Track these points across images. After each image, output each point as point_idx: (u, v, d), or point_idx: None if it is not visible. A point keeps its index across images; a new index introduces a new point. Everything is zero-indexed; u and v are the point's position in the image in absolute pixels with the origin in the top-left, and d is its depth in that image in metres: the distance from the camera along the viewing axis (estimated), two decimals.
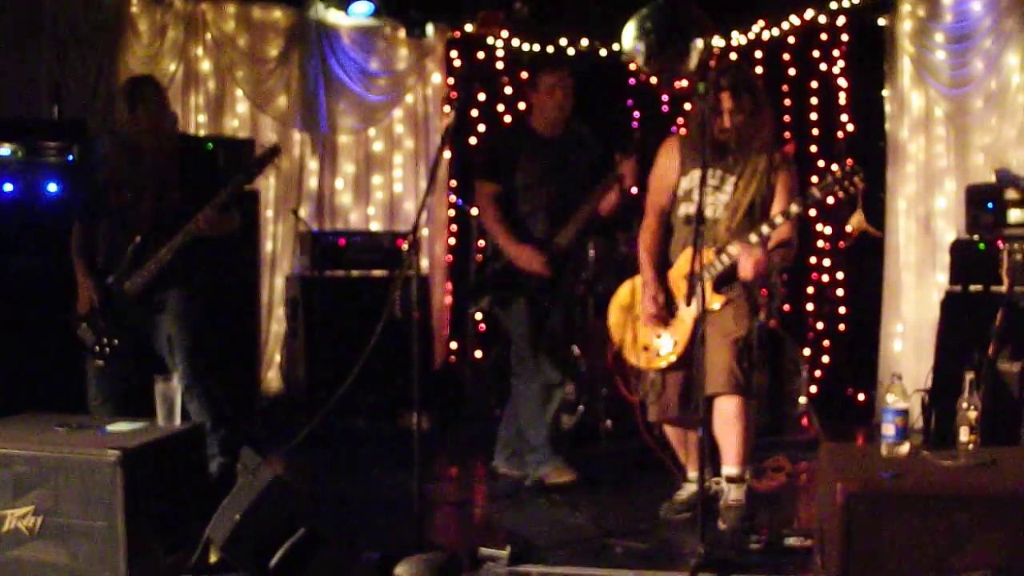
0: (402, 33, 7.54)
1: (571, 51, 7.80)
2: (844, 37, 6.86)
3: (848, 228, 4.19)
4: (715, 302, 4.25)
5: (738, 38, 7.42)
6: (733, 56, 6.81)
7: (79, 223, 4.59)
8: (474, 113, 7.41)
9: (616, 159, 4.93)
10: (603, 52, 7.82)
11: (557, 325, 5.09)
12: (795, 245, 4.43)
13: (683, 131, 4.64)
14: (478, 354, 7.32)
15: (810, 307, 7.14)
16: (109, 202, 4.51)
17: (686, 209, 4.41)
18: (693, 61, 6.64)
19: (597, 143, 5.19)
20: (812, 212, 6.63)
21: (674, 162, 4.48)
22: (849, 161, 4.11)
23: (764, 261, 4.20)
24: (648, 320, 4.40)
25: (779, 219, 4.20)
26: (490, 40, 7.53)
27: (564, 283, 5.11)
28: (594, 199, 5.00)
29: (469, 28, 7.51)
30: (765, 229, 4.20)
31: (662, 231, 4.50)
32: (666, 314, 4.37)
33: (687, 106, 6.19)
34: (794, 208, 4.16)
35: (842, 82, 6.89)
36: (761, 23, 7.26)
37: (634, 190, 5.05)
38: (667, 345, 4.38)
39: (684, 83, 7.10)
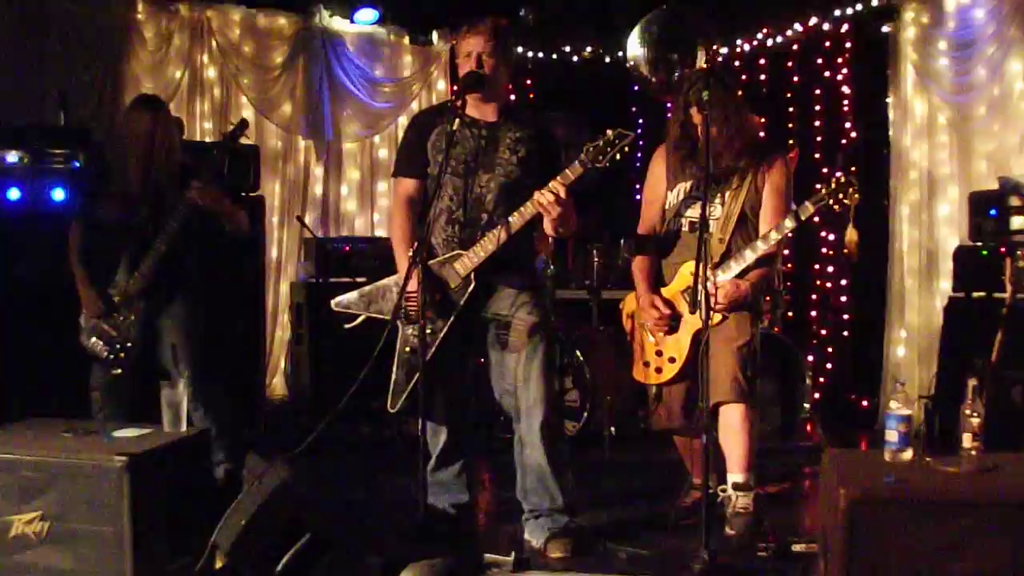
0: (407, 40, 7.59)
1: (575, 58, 7.84)
2: (848, 44, 6.88)
3: (845, 249, 4.15)
4: (716, 317, 4.18)
5: (742, 45, 7.45)
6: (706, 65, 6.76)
7: (78, 223, 4.59)
8: None
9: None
10: (607, 59, 7.86)
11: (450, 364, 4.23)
12: (778, 259, 4.35)
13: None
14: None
15: (814, 314, 7.16)
16: (108, 210, 4.54)
17: (676, 224, 4.37)
18: (697, 68, 6.66)
19: (552, 139, 4.09)
20: (816, 219, 6.66)
21: (662, 172, 4.43)
22: (842, 174, 4.02)
23: (741, 294, 4.15)
24: (655, 327, 4.35)
25: (774, 234, 4.14)
26: None
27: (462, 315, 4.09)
28: (517, 219, 3.90)
29: None
30: (761, 245, 4.15)
31: (654, 244, 4.43)
32: (670, 318, 4.32)
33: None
34: (788, 223, 4.10)
35: (846, 89, 6.91)
36: (765, 30, 7.29)
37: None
38: (668, 363, 4.34)
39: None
